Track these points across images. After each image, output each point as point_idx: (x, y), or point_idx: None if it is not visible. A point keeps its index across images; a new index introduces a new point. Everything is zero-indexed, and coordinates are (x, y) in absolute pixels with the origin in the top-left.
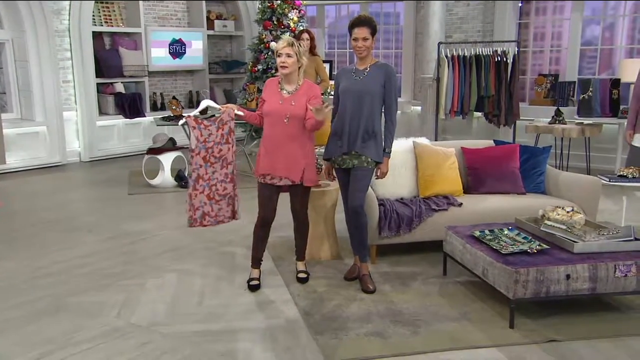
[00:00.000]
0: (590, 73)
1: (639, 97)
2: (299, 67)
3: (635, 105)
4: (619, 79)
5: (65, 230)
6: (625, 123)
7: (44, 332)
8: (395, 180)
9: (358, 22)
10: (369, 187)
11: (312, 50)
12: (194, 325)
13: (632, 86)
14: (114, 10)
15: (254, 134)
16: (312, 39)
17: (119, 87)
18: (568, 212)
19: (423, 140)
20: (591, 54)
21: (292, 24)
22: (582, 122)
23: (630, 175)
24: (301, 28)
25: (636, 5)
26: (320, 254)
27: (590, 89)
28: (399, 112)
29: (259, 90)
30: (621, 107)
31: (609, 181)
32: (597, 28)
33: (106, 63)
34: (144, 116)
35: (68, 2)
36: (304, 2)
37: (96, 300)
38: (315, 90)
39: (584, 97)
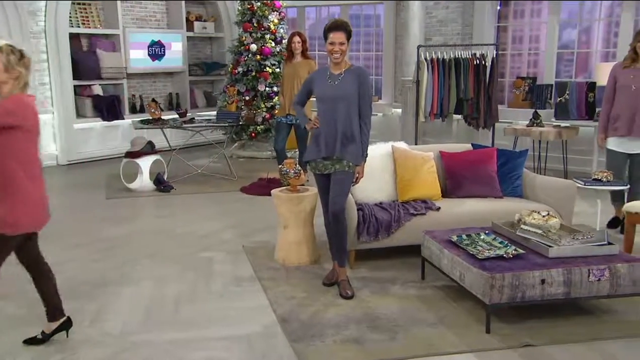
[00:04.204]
0: (567, 76)
1: (609, 101)
2: (16, 79)
3: (606, 109)
4: (595, 83)
5: (40, 235)
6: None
7: (16, 342)
8: (374, 185)
9: (335, 26)
10: None
11: (304, 54)
12: (169, 333)
13: None
14: (92, 12)
15: (234, 136)
16: (304, 41)
17: (97, 90)
18: (544, 216)
19: (401, 145)
20: (568, 57)
21: (272, 26)
22: (559, 125)
23: (604, 179)
24: (282, 30)
25: (611, 9)
26: (299, 259)
27: (567, 92)
28: (380, 114)
29: (239, 93)
30: (597, 109)
31: (584, 184)
32: (574, 32)
33: (84, 65)
34: (123, 119)
35: (44, 3)
36: (284, 3)
37: (69, 308)
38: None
39: (561, 100)
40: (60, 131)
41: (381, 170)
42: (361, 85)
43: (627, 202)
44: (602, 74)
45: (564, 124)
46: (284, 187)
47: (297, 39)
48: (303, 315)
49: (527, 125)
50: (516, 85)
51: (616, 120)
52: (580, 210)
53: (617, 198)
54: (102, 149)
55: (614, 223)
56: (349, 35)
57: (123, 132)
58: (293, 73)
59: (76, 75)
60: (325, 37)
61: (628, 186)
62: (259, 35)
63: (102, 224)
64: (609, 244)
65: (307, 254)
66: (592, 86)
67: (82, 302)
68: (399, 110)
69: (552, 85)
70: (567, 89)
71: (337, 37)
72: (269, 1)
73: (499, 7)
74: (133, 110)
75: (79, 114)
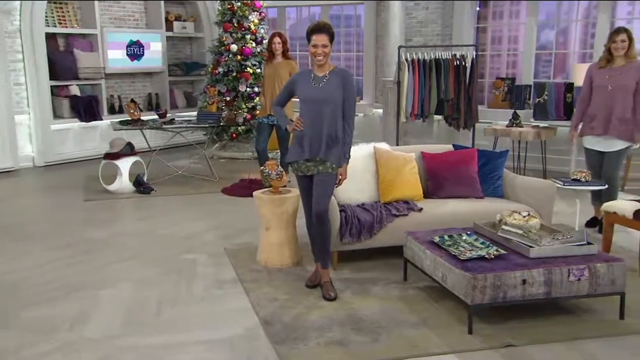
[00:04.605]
0: (545, 76)
1: (584, 100)
2: None
3: (581, 108)
4: (573, 83)
5: (16, 238)
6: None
7: None
8: (356, 186)
9: (318, 28)
10: None
11: (285, 54)
12: (151, 337)
13: None
14: (68, 11)
15: (215, 137)
16: (284, 42)
17: (75, 90)
18: (524, 216)
19: (383, 146)
20: (546, 57)
21: (252, 26)
22: (538, 125)
23: (583, 179)
24: (262, 30)
25: (588, 10)
26: (282, 261)
27: (546, 92)
28: (361, 114)
29: (220, 93)
30: (574, 110)
31: (563, 185)
32: (552, 33)
33: (60, 65)
34: (101, 119)
35: (19, 2)
36: (264, 3)
37: (48, 313)
38: None
39: (539, 100)
40: (36, 132)
41: (363, 171)
42: (346, 88)
43: (603, 200)
44: (580, 75)
45: (542, 124)
46: (266, 189)
47: (277, 39)
48: (286, 318)
49: (507, 126)
50: (496, 85)
51: (592, 120)
52: (559, 210)
53: (597, 198)
54: (80, 151)
55: (592, 223)
56: (331, 38)
57: (101, 133)
58: (274, 73)
59: (53, 75)
60: (308, 40)
61: (607, 186)
62: (239, 35)
63: (81, 226)
64: (589, 243)
65: (290, 256)
66: (569, 87)
67: (61, 306)
68: (380, 111)
69: (530, 85)
70: (546, 89)
71: (320, 39)
72: (249, 1)
73: (478, 8)
74: (112, 110)
75: (56, 115)
